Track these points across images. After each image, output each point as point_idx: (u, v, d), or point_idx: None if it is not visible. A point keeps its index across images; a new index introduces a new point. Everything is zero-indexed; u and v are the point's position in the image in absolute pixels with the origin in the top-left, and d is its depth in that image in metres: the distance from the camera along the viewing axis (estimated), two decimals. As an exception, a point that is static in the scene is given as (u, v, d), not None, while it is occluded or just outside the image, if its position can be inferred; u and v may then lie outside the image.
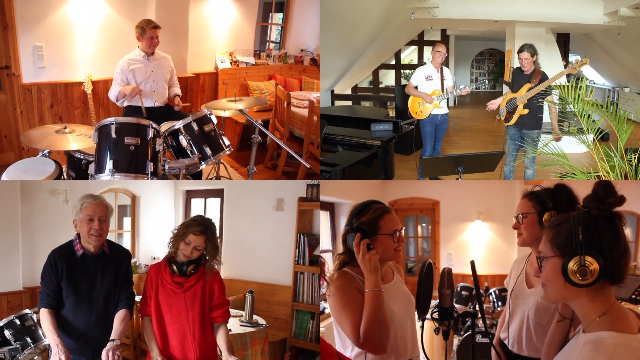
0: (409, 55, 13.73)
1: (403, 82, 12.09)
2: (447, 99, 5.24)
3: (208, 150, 3.31)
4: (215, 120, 3.44)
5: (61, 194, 4.11)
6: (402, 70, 11.55)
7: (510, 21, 7.24)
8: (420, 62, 10.97)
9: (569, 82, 3.79)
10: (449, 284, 1.82)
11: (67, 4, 4.53)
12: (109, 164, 2.94)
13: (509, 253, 5.46)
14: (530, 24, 7.21)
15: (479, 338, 3.36)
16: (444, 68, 5.25)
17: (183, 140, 3.25)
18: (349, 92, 9.70)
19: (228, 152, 3.45)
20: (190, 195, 5.31)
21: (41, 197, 4.06)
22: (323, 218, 4.48)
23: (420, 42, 10.64)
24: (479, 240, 5.64)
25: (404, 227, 1.88)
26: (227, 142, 3.47)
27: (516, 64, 4.71)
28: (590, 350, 1.21)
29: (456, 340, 3.87)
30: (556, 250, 1.28)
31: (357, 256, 1.79)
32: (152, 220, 5.13)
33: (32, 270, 3.87)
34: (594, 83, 10.90)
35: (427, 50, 10.14)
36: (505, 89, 6.10)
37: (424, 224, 5.93)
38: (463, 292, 4.26)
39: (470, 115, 11.11)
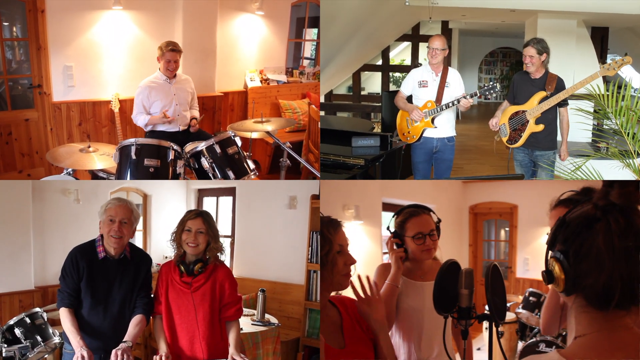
0: (400, 54, 11.28)
1: (392, 87, 9.72)
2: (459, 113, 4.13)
3: (231, 174, 3.20)
4: (239, 143, 3.32)
5: (72, 193, 4.16)
6: (390, 73, 9.52)
7: (530, 11, 5.74)
8: (415, 63, 8.71)
9: (607, 89, 3.20)
10: (467, 284, 1.87)
11: (96, 26, 4.59)
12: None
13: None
14: (556, 14, 5.66)
15: (542, 347, 3.24)
16: (451, 70, 3.99)
17: (205, 163, 3.16)
18: (321, 99, 7.49)
19: (253, 177, 3.32)
20: (202, 194, 5.24)
21: (52, 197, 4.10)
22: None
23: (415, 37, 8.79)
24: (556, 246, 5.50)
25: (435, 230, 2.06)
26: (252, 166, 3.34)
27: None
28: None
29: (520, 345, 3.79)
30: None
31: None
32: (164, 219, 5.06)
33: (43, 269, 3.92)
34: (642, 91, 9.30)
35: (424, 48, 7.51)
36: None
37: (506, 228, 5.72)
38: (531, 298, 3.94)
39: (477, 132, 9.14)
